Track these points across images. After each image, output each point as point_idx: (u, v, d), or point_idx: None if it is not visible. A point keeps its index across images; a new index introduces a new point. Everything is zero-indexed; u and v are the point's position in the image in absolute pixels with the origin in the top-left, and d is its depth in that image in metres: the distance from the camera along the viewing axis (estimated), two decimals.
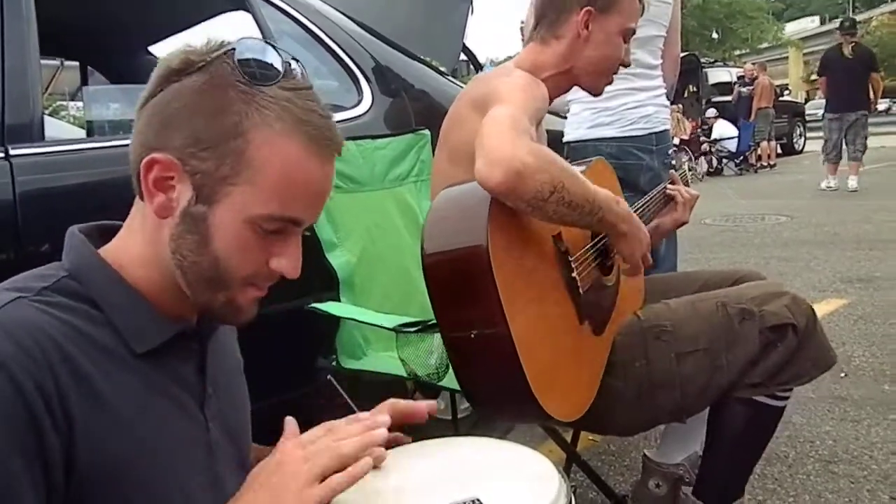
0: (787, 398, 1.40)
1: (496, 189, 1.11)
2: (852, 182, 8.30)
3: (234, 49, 0.75)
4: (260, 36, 2.16)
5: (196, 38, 0.79)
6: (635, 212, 1.59)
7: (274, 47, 0.77)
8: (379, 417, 0.81)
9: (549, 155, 1.16)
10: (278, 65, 0.76)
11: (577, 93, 1.65)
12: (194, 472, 0.81)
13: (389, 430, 0.97)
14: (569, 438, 1.72)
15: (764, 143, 12.36)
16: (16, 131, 1.50)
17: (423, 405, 0.95)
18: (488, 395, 1.21)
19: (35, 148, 1.52)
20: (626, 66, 1.56)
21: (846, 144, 8.34)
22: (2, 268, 1.40)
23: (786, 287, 1.44)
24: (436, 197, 1.26)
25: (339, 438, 0.76)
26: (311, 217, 0.81)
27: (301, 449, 0.75)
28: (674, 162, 1.87)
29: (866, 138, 8.34)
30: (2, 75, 1.49)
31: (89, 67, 3.24)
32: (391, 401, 0.95)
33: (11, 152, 1.47)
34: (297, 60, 0.79)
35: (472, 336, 1.11)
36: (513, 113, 1.22)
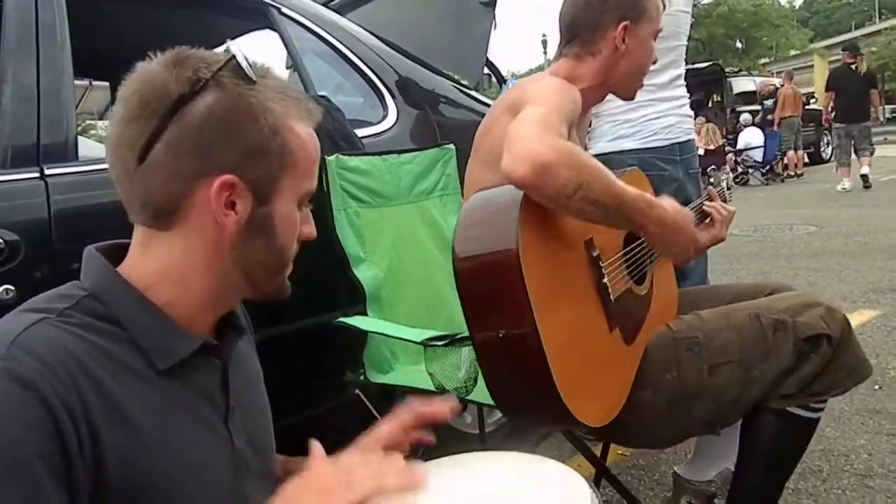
0: (821, 410, 1.38)
1: (521, 182, 1.12)
2: (865, 169, 9.16)
3: (234, 57, 0.77)
4: (286, 54, 2.20)
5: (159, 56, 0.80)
6: None
7: (233, 42, 0.80)
8: (417, 466, 0.77)
9: (575, 152, 1.15)
10: (251, 60, 0.79)
11: (597, 107, 1.65)
12: (220, 486, 0.82)
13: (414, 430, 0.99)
14: (598, 452, 1.71)
15: (791, 153, 12.22)
16: (51, 151, 1.53)
17: (443, 405, 0.97)
18: (515, 397, 1.21)
19: (69, 167, 1.56)
20: (654, 63, 1.58)
21: (856, 150, 9.34)
22: (37, 286, 1.42)
23: (819, 297, 1.42)
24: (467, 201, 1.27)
25: (380, 471, 0.74)
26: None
27: (335, 469, 0.74)
28: (712, 180, 1.86)
29: (872, 143, 9.47)
30: (38, 97, 1.53)
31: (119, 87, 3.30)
32: (413, 407, 0.97)
33: (47, 172, 1.50)
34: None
35: (500, 336, 1.12)
36: (542, 112, 1.23)
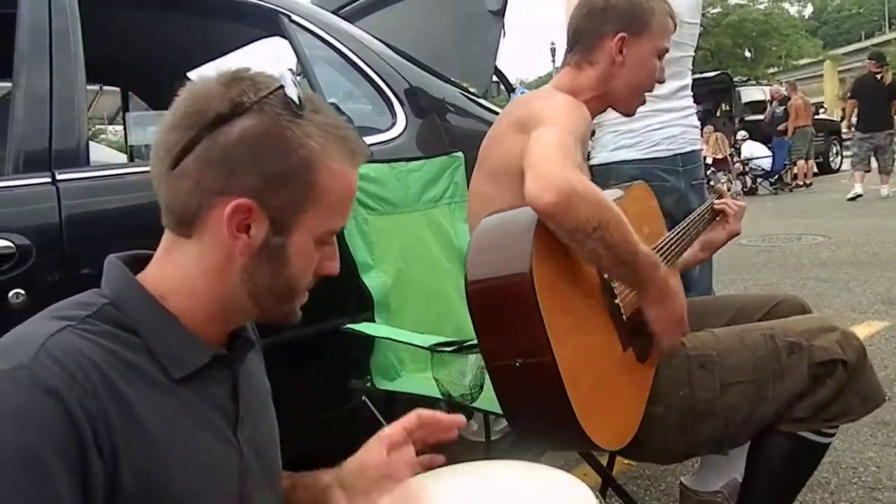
0: (832, 435, 1.37)
1: (545, 210, 1.11)
2: (884, 190, 9.12)
3: (281, 87, 0.79)
4: (296, 61, 2.21)
5: (213, 70, 0.82)
6: (678, 233, 1.59)
7: (292, 74, 0.81)
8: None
9: (599, 192, 1.16)
10: (301, 93, 0.80)
11: (599, 116, 1.65)
12: (228, 495, 0.83)
13: (422, 451, 0.99)
14: (604, 462, 1.70)
15: (801, 162, 12.17)
16: (62, 157, 1.54)
17: (448, 418, 0.98)
18: (533, 423, 1.21)
19: (81, 173, 1.57)
20: (662, 83, 1.57)
21: (877, 160, 9.32)
22: (48, 290, 1.43)
23: (835, 321, 1.40)
24: (473, 217, 1.27)
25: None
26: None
27: None
28: (712, 183, 1.87)
29: (894, 153, 9.39)
30: (50, 103, 1.54)
31: (129, 93, 3.33)
32: (417, 412, 0.98)
33: (58, 177, 1.52)
34: (300, 76, 0.84)
35: (517, 365, 1.11)
36: (560, 136, 1.23)
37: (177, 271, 0.82)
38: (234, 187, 0.78)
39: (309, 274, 0.86)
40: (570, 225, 1.12)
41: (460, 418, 0.99)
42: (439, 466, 0.98)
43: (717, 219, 1.74)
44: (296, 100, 0.78)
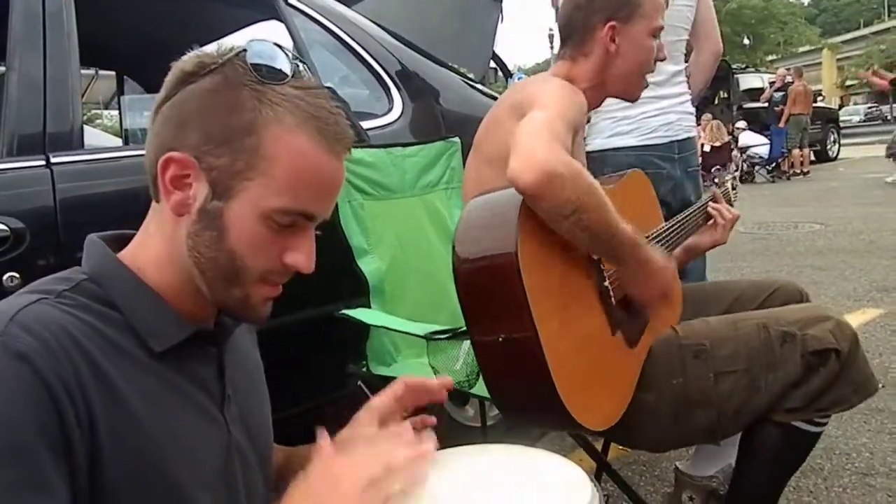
0: (824, 424, 1.37)
1: (526, 190, 1.11)
2: None
3: (245, 51, 0.78)
4: (292, 45, 2.19)
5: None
6: (673, 226, 1.58)
7: (283, 49, 0.79)
8: (425, 438, 0.79)
9: (583, 173, 1.15)
10: (286, 66, 0.78)
11: None
12: (212, 472, 0.82)
13: (414, 413, 0.99)
14: (599, 447, 1.71)
15: (796, 151, 12.16)
16: (57, 140, 1.54)
17: (435, 381, 0.98)
18: (515, 400, 1.21)
19: (75, 156, 1.56)
20: (663, 60, 1.55)
21: None
22: (42, 273, 1.42)
23: (829, 311, 1.40)
24: (466, 202, 1.27)
25: (386, 449, 0.75)
26: (323, 211, 0.82)
27: (344, 458, 0.74)
28: (716, 180, 1.85)
29: None
30: (44, 86, 1.53)
31: (125, 77, 3.31)
32: (402, 378, 0.97)
33: (52, 160, 1.51)
34: (304, 62, 0.82)
35: (500, 340, 1.12)
36: (550, 117, 1.22)
37: (150, 241, 0.81)
38: (181, 143, 0.77)
39: (260, 257, 0.79)
40: (546, 205, 1.12)
41: (448, 380, 0.98)
42: (438, 448, 0.99)
43: (710, 222, 1.73)
44: (255, 67, 0.77)
